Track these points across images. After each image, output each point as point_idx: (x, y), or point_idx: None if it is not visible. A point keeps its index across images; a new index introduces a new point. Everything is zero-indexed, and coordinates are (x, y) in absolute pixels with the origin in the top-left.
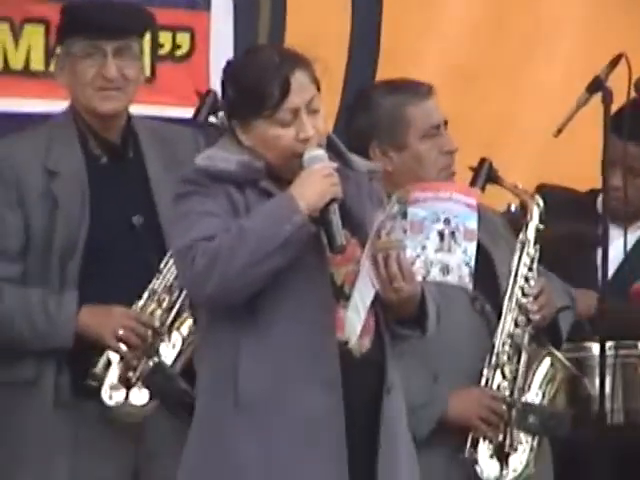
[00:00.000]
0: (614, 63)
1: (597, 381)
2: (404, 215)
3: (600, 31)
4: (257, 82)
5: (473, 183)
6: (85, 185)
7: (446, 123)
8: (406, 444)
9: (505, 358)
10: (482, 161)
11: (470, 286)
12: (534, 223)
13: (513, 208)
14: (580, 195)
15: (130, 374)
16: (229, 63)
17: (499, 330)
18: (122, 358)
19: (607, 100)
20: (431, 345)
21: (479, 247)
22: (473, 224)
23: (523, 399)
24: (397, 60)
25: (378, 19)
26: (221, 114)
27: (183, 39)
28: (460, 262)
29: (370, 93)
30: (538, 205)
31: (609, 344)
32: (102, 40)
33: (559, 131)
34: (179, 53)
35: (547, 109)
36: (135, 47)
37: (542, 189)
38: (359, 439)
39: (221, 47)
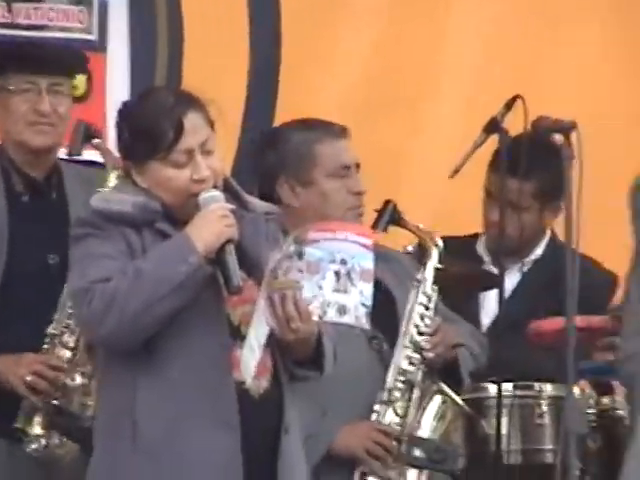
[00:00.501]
0: (510, 104)
1: (494, 421)
2: (300, 255)
3: (497, 72)
4: (150, 123)
5: (376, 225)
6: (4, 222)
7: (358, 166)
8: None
9: (397, 395)
10: (386, 203)
11: (367, 326)
12: (432, 263)
13: (410, 249)
14: (461, 239)
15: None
16: (124, 104)
17: (391, 367)
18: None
19: (504, 141)
20: (322, 383)
21: (381, 287)
22: (369, 264)
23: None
24: (295, 100)
25: (276, 59)
26: (97, 141)
27: (79, 81)
28: (357, 302)
29: (281, 130)
30: (437, 246)
31: (507, 385)
32: (38, 75)
33: (456, 171)
34: (75, 94)
35: (446, 149)
36: (67, 85)
37: None
38: (258, 479)
39: (117, 89)
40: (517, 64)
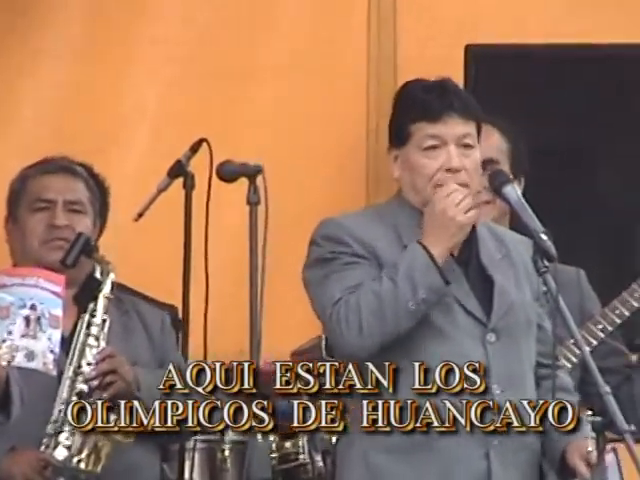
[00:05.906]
0: (195, 148)
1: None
2: None
3: (180, 115)
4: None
5: (66, 257)
6: None
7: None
8: None
9: (63, 427)
10: (78, 235)
11: (54, 373)
12: (104, 293)
13: None
14: None
15: None
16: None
17: (57, 399)
18: None
19: (189, 184)
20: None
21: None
22: (58, 311)
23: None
24: None
25: None
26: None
27: None
28: (45, 348)
29: None
30: (109, 277)
31: None
32: None
33: (140, 215)
34: None
35: (126, 195)
36: None
37: None
38: None
39: None
40: (200, 111)
